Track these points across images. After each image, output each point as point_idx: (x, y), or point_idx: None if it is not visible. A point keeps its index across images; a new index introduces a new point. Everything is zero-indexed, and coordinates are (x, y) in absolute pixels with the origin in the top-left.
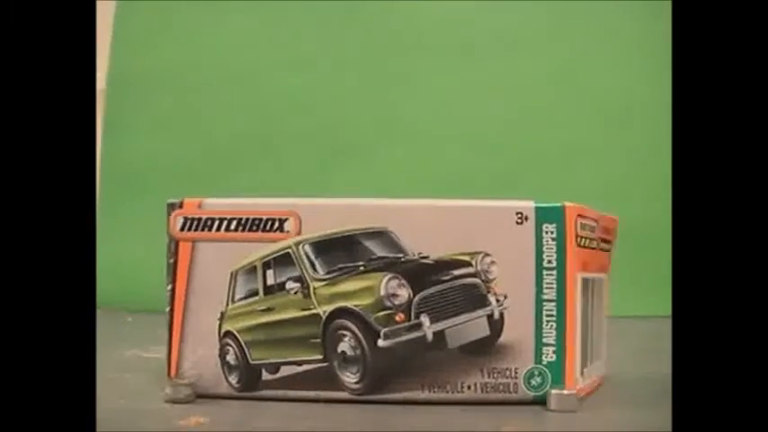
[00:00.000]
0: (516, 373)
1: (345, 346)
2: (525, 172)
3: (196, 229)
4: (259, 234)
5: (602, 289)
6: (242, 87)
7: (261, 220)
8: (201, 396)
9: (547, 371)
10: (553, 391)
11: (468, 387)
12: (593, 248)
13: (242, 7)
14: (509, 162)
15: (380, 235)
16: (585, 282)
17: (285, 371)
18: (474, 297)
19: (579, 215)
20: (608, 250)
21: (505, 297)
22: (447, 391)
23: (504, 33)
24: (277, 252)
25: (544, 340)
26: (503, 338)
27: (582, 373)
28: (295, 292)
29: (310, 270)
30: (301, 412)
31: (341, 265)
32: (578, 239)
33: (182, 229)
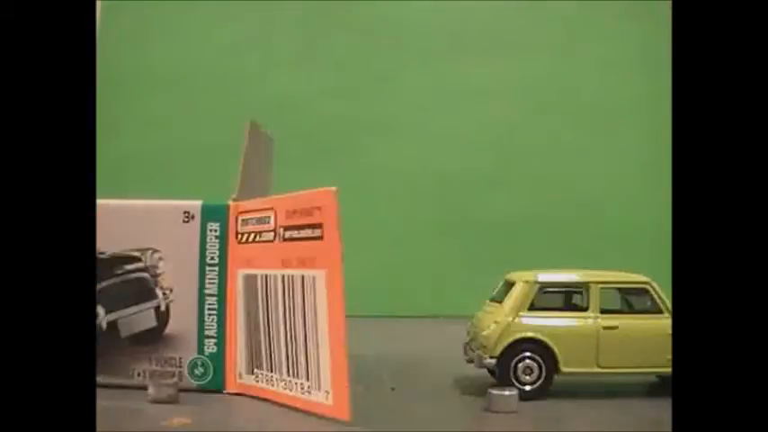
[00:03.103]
0: (181, 362)
1: None
2: (510, 171)
3: None
4: None
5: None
6: (227, 86)
7: None
8: None
9: (209, 361)
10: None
11: (139, 374)
12: (269, 241)
13: (227, 7)
14: (493, 161)
15: None
16: (251, 278)
17: None
18: (143, 290)
19: (242, 212)
20: (314, 238)
21: (171, 290)
22: (122, 378)
23: (490, 33)
24: None
25: (206, 332)
26: (168, 329)
27: (252, 371)
28: None
29: None
30: (280, 413)
31: None
32: (239, 236)
33: None
